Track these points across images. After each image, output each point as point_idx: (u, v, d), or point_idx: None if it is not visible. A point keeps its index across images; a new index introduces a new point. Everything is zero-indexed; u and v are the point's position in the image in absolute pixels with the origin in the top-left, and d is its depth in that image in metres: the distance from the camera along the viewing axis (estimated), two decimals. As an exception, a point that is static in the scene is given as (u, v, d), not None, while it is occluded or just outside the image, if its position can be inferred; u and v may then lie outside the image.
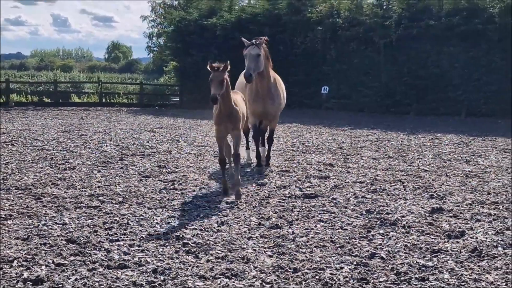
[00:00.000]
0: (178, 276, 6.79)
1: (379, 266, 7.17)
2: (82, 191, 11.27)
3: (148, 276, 6.77)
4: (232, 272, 6.89)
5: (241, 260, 7.35)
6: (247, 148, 15.83)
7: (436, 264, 7.17)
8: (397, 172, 13.61)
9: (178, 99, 41.16)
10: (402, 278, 6.73)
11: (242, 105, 11.65)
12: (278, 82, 14.51)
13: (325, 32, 33.64)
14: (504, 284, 6.52)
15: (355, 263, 7.27)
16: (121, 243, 8.01)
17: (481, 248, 7.77)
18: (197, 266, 7.12)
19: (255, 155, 14.39)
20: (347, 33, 33.14)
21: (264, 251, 7.80)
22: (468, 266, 7.14)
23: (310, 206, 10.29)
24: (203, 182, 12.34)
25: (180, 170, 13.60)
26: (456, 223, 9.10)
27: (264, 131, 14.92)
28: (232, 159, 11.46)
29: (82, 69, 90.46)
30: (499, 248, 7.82)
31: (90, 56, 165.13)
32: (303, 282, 6.65)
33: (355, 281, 6.67)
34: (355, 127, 25.08)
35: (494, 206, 10.29)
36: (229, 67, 10.33)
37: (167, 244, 8.00)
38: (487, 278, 6.71)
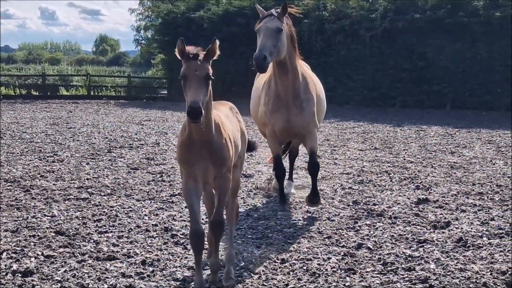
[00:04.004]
0: (167, 267, 6.84)
1: (366, 256, 7.25)
2: (70, 183, 11.28)
3: (137, 267, 6.81)
4: (221, 263, 6.95)
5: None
6: (290, 178, 11.10)
7: (422, 254, 7.25)
8: (383, 164, 13.69)
9: (166, 92, 41.13)
10: (388, 268, 6.81)
11: (232, 127, 6.49)
12: (311, 78, 9.59)
13: (312, 25, 33.57)
14: (489, 273, 6.60)
15: (342, 253, 7.34)
16: (110, 234, 8.05)
17: (466, 238, 7.86)
18: (185, 258, 7.17)
19: (279, 192, 9.88)
20: (333, 26, 33.13)
21: (252, 242, 7.87)
22: (454, 256, 7.23)
23: (298, 197, 10.35)
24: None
25: (168, 162, 13.61)
26: (441, 213, 9.19)
27: (295, 154, 11.36)
28: (210, 227, 6.49)
29: (70, 62, 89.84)
30: (484, 238, 7.91)
31: (78, 49, 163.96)
32: (291, 273, 6.72)
33: (343, 271, 6.74)
34: (342, 119, 25.14)
35: (479, 196, 10.39)
36: (217, 52, 5.73)
37: (156, 235, 8.05)
38: (472, 267, 6.79)
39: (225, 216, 6.14)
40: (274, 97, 9.15)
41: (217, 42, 5.71)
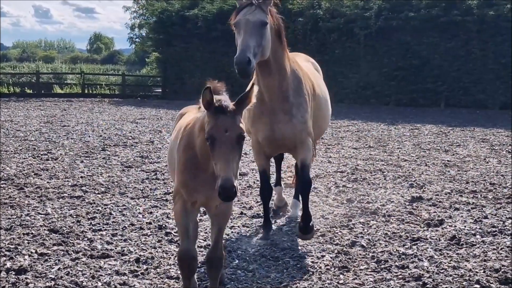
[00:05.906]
0: (161, 265, 6.84)
1: (360, 254, 7.26)
2: (64, 181, 11.26)
3: (131, 265, 6.81)
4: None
5: (224, 249, 7.41)
6: (278, 184, 9.75)
7: (416, 252, 7.27)
8: (377, 162, 13.71)
9: (160, 90, 41.11)
10: (382, 266, 6.83)
11: None
12: (306, 76, 7.94)
13: (306, 24, 33.62)
14: (482, 271, 6.61)
15: (336, 251, 7.36)
16: (104, 232, 8.04)
17: (459, 236, 7.87)
18: (180, 255, 7.17)
19: (263, 221, 8.31)
20: (328, 25, 33.17)
21: (246, 240, 7.88)
22: (447, 254, 7.25)
23: (292, 195, 10.34)
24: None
25: (163, 160, 13.59)
26: (435, 211, 9.21)
27: (280, 156, 9.59)
28: (207, 263, 5.62)
29: (64, 60, 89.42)
30: (477, 236, 7.93)
31: (72, 47, 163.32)
32: (285, 271, 6.74)
33: (336, 269, 6.76)
34: (336, 117, 25.05)
35: (472, 195, 10.41)
36: (253, 100, 4.89)
37: (150, 233, 8.04)
38: (465, 265, 6.81)
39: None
40: (257, 100, 6.76)
41: (255, 88, 4.85)
